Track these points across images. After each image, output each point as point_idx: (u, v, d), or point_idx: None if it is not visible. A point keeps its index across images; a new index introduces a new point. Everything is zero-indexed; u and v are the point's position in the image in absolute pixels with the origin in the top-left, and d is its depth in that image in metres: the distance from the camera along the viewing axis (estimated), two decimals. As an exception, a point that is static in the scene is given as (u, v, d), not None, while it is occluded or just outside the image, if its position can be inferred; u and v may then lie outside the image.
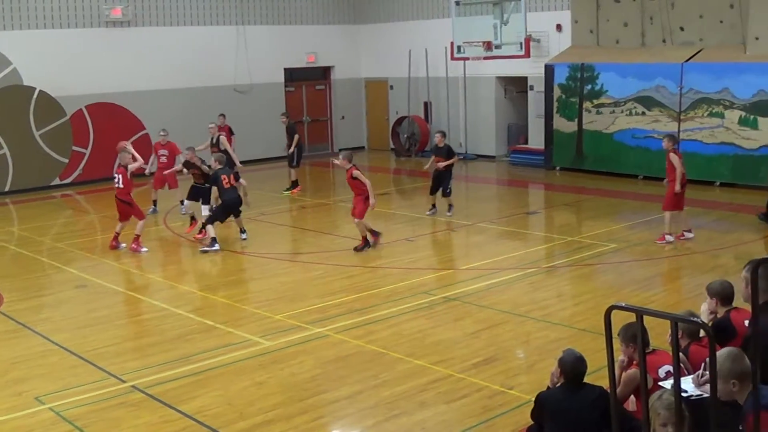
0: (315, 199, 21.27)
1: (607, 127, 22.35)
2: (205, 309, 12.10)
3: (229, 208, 15.83)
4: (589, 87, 22.66)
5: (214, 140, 19.45)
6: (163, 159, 18.87)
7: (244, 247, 15.78)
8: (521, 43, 21.33)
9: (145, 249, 15.50)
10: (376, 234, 15.27)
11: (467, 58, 23.75)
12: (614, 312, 4.46)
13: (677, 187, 14.66)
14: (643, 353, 4.75)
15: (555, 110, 23.47)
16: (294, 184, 21.64)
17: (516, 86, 26.32)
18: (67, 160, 23.72)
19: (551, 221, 18.51)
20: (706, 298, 7.29)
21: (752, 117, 19.58)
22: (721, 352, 5.06)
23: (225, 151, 18.50)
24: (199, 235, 16.06)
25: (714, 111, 20.26)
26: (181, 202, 18.48)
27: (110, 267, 14.77)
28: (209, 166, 16.18)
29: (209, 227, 15.57)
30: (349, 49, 29.70)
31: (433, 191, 18.07)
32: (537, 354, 9.86)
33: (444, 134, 18.50)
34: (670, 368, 5.98)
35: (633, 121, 21.76)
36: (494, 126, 26.72)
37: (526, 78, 25.32)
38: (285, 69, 28.11)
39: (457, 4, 22.98)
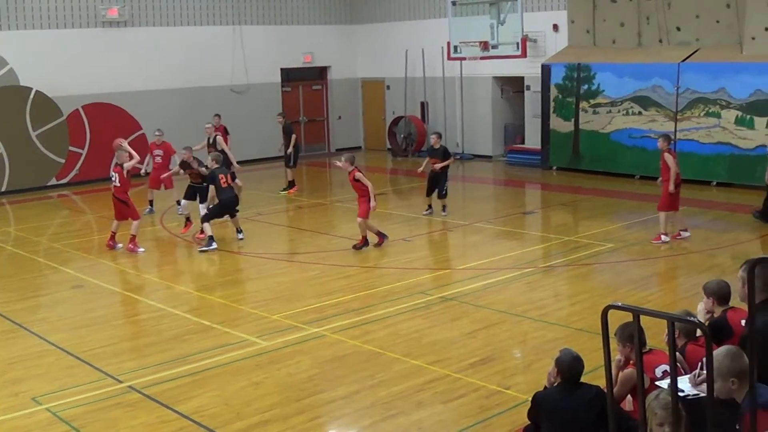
0: (312, 199, 21.26)
1: (603, 126, 22.37)
2: (202, 309, 12.09)
3: (226, 207, 15.85)
4: (586, 87, 22.67)
5: (211, 140, 19.43)
6: (158, 159, 18.87)
7: (240, 247, 15.77)
8: (518, 43, 21.33)
9: (141, 249, 15.49)
10: (382, 236, 15.28)
11: (464, 58, 23.74)
12: (611, 312, 4.46)
13: (671, 187, 14.67)
14: (640, 353, 4.76)
15: (552, 110, 23.48)
16: (291, 184, 21.63)
17: (513, 86, 26.33)
18: (63, 161, 23.70)
19: (548, 221, 18.51)
20: (703, 297, 7.30)
21: (749, 117, 19.60)
22: (720, 350, 5.06)
23: (222, 152, 18.48)
24: (201, 235, 16.04)
25: (710, 111, 20.28)
26: (178, 203, 18.46)
27: (107, 267, 14.76)
28: (206, 167, 16.16)
29: (206, 225, 15.58)
30: (345, 49, 29.69)
31: (429, 193, 18.06)
32: (534, 354, 9.87)
33: (440, 135, 18.50)
34: (667, 368, 5.98)
35: (630, 121, 21.78)
36: (491, 126, 26.73)
37: (522, 78, 25.34)
38: (281, 69, 28.10)
39: (454, 4, 22.97)
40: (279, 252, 15.76)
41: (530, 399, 6.53)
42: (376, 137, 30.08)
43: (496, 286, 12.74)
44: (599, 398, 6.11)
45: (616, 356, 6.58)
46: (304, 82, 29.34)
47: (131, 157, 15.61)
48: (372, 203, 14.90)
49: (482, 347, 10.06)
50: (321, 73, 29.76)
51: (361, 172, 15.11)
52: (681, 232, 15.11)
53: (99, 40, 23.85)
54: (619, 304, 4.53)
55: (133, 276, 14.42)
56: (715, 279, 7.45)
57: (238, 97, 26.62)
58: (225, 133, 20.82)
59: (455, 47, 22.79)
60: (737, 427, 4.95)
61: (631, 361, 6.43)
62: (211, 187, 15.73)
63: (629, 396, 6.54)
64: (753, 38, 19.97)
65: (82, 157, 23.95)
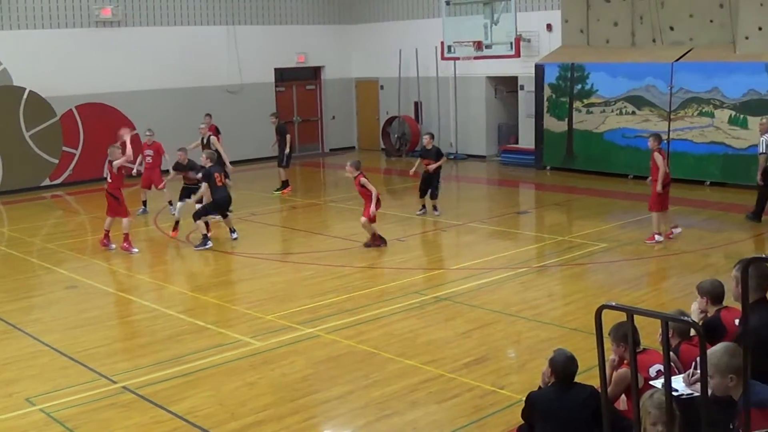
0: (305, 199, 21.25)
1: (597, 126, 22.40)
2: (196, 310, 12.07)
3: (220, 206, 15.86)
4: (580, 87, 22.70)
5: (205, 140, 19.40)
6: (149, 159, 18.83)
7: (234, 247, 15.76)
8: (511, 43, 21.37)
9: (136, 249, 15.47)
10: (380, 241, 15.29)
11: (458, 58, 23.77)
12: (605, 311, 4.46)
13: (658, 187, 14.68)
14: (634, 352, 4.76)
15: (545, 110, 23.51)
16: (284, 185, 21.62)
17: (506, 86, 26.35)
18: (57, 161, 23.66)
19: (542, 221, 18.53)
20: (697, 297, 7.30)
21: (742, 116, 19.64)
22: (718, 347, 5.06)
23: (216, 152, 18.44)
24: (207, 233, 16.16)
25: (704, 110, 20.32)
26: (170, 203, 18.42)
27: (101, 268, 14.73)
28: (201, 167, 16.10)
29: (199, 223, 15.58)
30: (339, 49, 29.68)
31: (422, 194, 18.09)
32: (528, 353, 9.87)
33: (432, 136, 18.53)
34: (661, 367, 5.99)
35: (623, 120, 21.81)
36: (485, 126, 26.75)
37: (516, 78, 25.36)
38: (275, 69, 28.09)
39: (448, 3, 22.99)
40: (273, 252, 15.76)
41: (524, 399, 6.54)
42: (370, 137, 30.09)
43: (490, 286, 12.75)
44: (593, 398, 6.11)
45: (610, 356, 6.58)
46: (297, 82, 29.34)
47: (124, 152, 15.51)
48: (372, 208, 14.92)
49: (476, 347, 10.07)
50: (315, 73, 29.75)
51: (366, 177, 15.14)
52: (673, 230, 15.13)
53: (92, 40, 23.82)
54: (613, 303, 4.53)
55: (126, 276, 14.40)
56: (708, 278, 7.45)
57: (231, 97, 26.61)
58: (216, 132, 20.79)
59: (449, 47, 22.82)
60: (731, 426, 4.96)
61: (625, 361, 6.44)
62: (203, 185, 15.72)
63: (623, 395, 6.54)
64: (746, 38, 20.01)
65: (76, 158, 23.92)
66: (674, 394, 5.08)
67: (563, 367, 6.28)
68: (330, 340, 10.45)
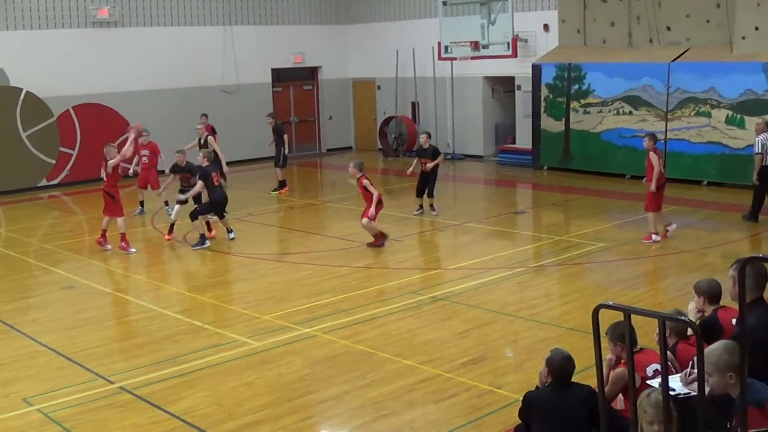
0: (303, 199, 21.25)
1: (594, 126, 22.41)
2: (193, 310, 12.07)
3: (217, 205, 15.86)
4: (577, 87, 22.71)
5: (202, 141, 19.39)
6: (145, 159, 18.79)
7: (231, 247, 15.76)
8: (508, 43, 21.36)
9: (133, 249, 15.45)
10: (381, 240, 15.29)
11: (454, 58, 23.76)
12: (602, 311, 4.47)
13: (652, 187, 14.68)
14: (631, 352, 4.78)
15: (542, 110, 23.51)
16: (281, 185, 21.61)
17: (503, 86, 26.36)
18: (54, 161, 23.64)
19: (539, 221, 18.54)
20: (694, 296, 7.31)
21: (739, 116, 19.65)
22: (717, 345, 5.06)
23: (213, 152, 18.43)
24: (211, 233, 16.15)
25: (701, 110, 20.33)
26: (166, 203, 18.41)
27: (98, 268, 14.72)
28: (198, 167, 16.08)
29: (197, 223, 15.58)
30: (336, 49, 29.68)
31: (420, 193, 18.08)
32: (525, 353, 9.88)
33: (429, 135, 18.56)
34: (658, 367, 5.99)
35: (620, 120, 21.82)
36: (482, 126, 26.75)
37: (513, 78, 25.37)
38: (272, 69, 28.08)
39: (444, 4, 22.99)
40: (270, 252, 15.75)
41: (522, 398, 6.54)
42: (367, 137, 30.08)
43: (487, 285, 12.75)
44: (590, 398, 6.11)
45: (608, 355, 6.59)
46: (294, 83, 29.33)
47: (119, 152, 15.47)
48: (371, 210, 14.92)
49: (474, 347, 10.07)
50: (312, 73, 29.74)
51: (368, 179, 15.14)
52: (668, 228, 15.12)
53: (89, 41, 23.80)
54: (610, 303, 4.54)
55: (124, 277, 14.39)
56: (705, 278, 7.46)
57: (228, 98, 26.60)
58: (212, 132, 20.78)
59: (446, 47, 22.81)
60: (729, 426, 4.97)
61: (623, 360, 6.45)
62: (199, 183, 15.69)
63: (620, 395, 6.55)
64: (743, 38, 20.02)
65: (73, 158, 23.91)
66: (671, 393, 5.09)
67: (560, 366, 6.28)
68: (327, 340, 10.45)
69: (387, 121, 28.47)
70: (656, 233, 14.86)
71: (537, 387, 6.60)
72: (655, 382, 5.60)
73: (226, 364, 9.75)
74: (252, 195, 21.07)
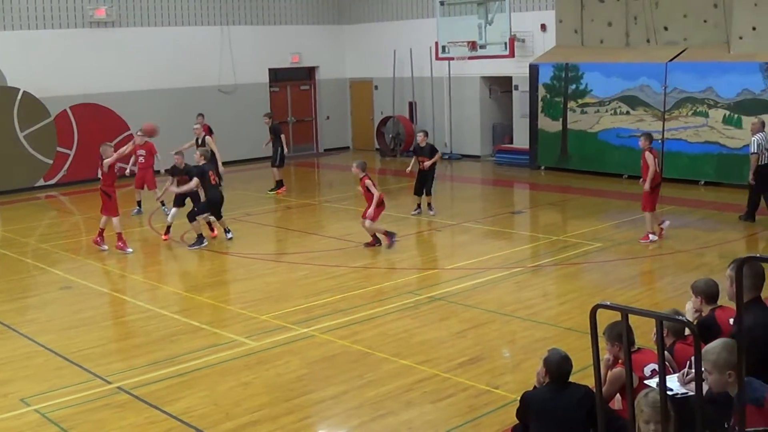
0: (300, 199, 21.24)
1: (591, 126, 22.42)
2: (191, 310, 12.06)
3: (213, 204, 15.86)
4: (574, 87, 22.72)
5: (200, 141, 19.39)
6: (142, 159, 18.78)
7: (228, 247, 15.76)
8: (506, 43, 21.34)
9: (130, 250, 15.44)
10: (376, 241, 15.29)
11: (452, 58, 23.74)
12: (600, 311, 4.47)
13: (646, 186, 14.69)
14: (629, 352, 4.77)
15: (540, 110, 23.52)
16: (279, 185, 21.60)
17: (501, 86, 26.37)
18: (51, 161, 23.63)
19: (536, 221, 18.54)
20: (691, 296, 7.31)
21: (736, 116, 19.67)
22: (717, 344, 5.06)
23: (210, 152, 18.42)
24: (213, 233, 16.24)
25: (698, 110, 20.35)
26: (162, 203, 18.40)
27: (95, 268, 14.71)
28: (195, 167, 16.07)
29: (195, 224, 15.59)
30: (333, 49, 29.68)
31: (418, 192, 18.08)
32: (523, 353, 9.88)
33: (426, 133, 18.54)
34: (656, 367, 5.99)
35: (617, 120, 21.83)
36: (479, 126, 26.77)
37: (510, 78, 25.38)
38: (269, 69, 28.07)
39: (442, 4, 22.97)
40: (267, 252, 15.76)
41: (519, 398, 6.54)
42: (365, 137, 30.08)
43: (484, 285, 12.76)
44: (588, 398, 6.11)
45: (605, 355, 6.59)
46: (292, 83, 29.32)
47: (115, 150, 15.45)
48: (370, 211, 14.91)
49: (471, 347, 10.07)
50: (309, 73, 29.74)
51: (371, 179, 15.14)
52: (662, 226, 15.11)
53: (87, 41, 23.79)
54: (608, 303, 4.55)
55: (121, 277, 14.38)
56: (703, 278, 7.45)
57: (225, 98, 26.59)
58: (209, 132, 20.78)
59: (443, 47, 22.80)
60: (726, 425, 4.97)
61: (620, 360, 6.45)
62: (194, 180, 15.68)
63: (618, 395, 6.55)
64: (740, 38, 20.04)
65: (70, 158, 23.89)
66: (669, 393, 5.09)
67: (558, 366, 6.28)
68: (324, 340, 10.45)
69: (384, 121, 28.48)
70: (653, 233, 14.87)
71: (534, 387, 6.60)
72: (653, 382, 5.61)
73: (223, 364, 9.75)
74: (249, 195, 21.07)
